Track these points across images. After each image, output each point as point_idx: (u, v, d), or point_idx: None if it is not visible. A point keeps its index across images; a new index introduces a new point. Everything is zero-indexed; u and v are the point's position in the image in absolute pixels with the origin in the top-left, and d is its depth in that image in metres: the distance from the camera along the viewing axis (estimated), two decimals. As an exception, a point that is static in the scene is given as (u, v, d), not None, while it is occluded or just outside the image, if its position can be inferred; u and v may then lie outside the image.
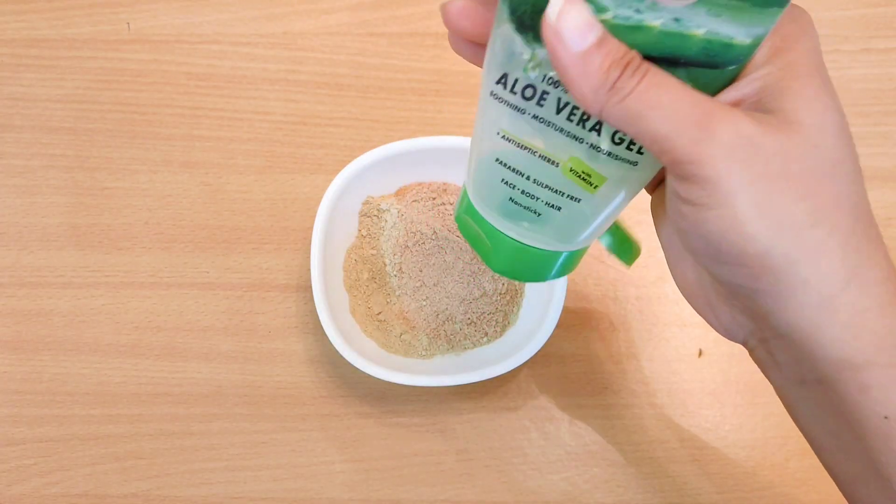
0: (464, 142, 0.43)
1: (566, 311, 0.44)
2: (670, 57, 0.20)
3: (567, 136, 0.23)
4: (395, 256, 0.44)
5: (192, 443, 0.43)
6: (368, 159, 0.42)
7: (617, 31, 0.20)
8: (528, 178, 0.24)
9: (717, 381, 0.44)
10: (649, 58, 0.20)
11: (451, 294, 0.43)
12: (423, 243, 0.44)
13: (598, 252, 0.46)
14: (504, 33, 0.21)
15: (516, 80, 0.22)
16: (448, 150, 0.43)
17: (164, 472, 0.43)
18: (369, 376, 0.40)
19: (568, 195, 0.24)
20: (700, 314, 0.26)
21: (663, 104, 0.20)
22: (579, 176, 0.24)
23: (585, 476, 0.42)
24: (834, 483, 0.26)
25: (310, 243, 0.41)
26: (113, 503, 0.43)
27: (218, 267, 0.46)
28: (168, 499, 0.42)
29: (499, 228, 0.27)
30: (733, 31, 0.19)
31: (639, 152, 0.23)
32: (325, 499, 0.42)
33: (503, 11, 0.21)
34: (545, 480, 0.42)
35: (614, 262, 0.45)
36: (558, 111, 0.22)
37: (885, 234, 0.44)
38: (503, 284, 0.43)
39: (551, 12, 0.20)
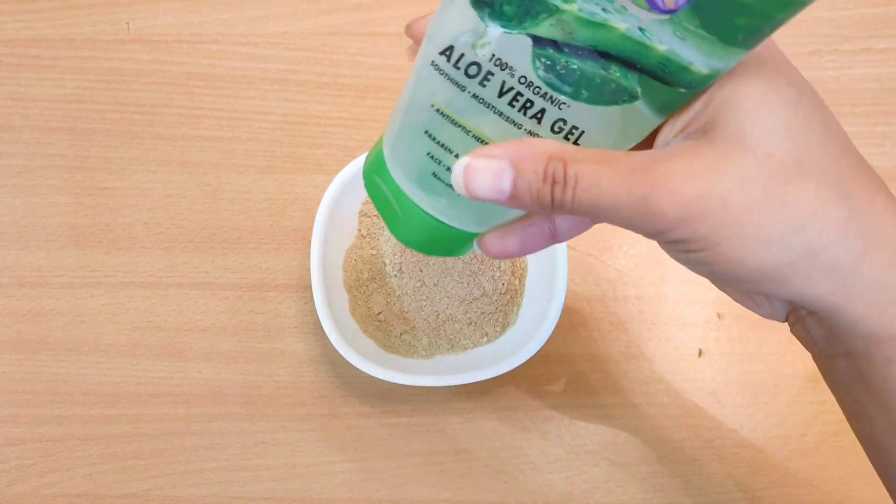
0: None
1: (566, 311, 0.44)
2: (627, 59, 0.20)
3: (506, 119, 0.22)
4: (395, 256, 0.44)
5: (192, 443, 0.43)
6: (368, 159, 0.42)
7: (579, 24, 0.19)
8: (456, 155, 0.23)
9: (717, 381, 0.44)
10: (604, 55, 0.20)
11: (451, 294, 0.43)
12: (423, 243, 0.44)
13: (599, 252, 0.46)
14: (459, 6, 0.20)
15: (462, 56, 0.21)
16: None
17: (164, 472, 0.43)
18: (369, 376, 0.40)
19: None
20: (739, 304, 0.26)
21: (603, 208, 0.21)
22: None
23: (585, 476, 0.42)
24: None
25: (310, 243, 0.41)
26: (112, 503, 0.43)
27: (218, 267, 0.46)
28: (168, 499, 0.42)
29: (415, 201, 0.26)
30: (693, 57, 0.19)
31: (576, 142, 0.22)
32: (325, 499, 0.42)
33: None
34: (545, 480, 0.42)
35: (614, 261, 0.46)
36: (500, 94, 0.22)
37: (885, 234, 0.44)
38: (503, 284, 0.43)
39: (457, 186, 0.21)
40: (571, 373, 0.44)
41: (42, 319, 0.45)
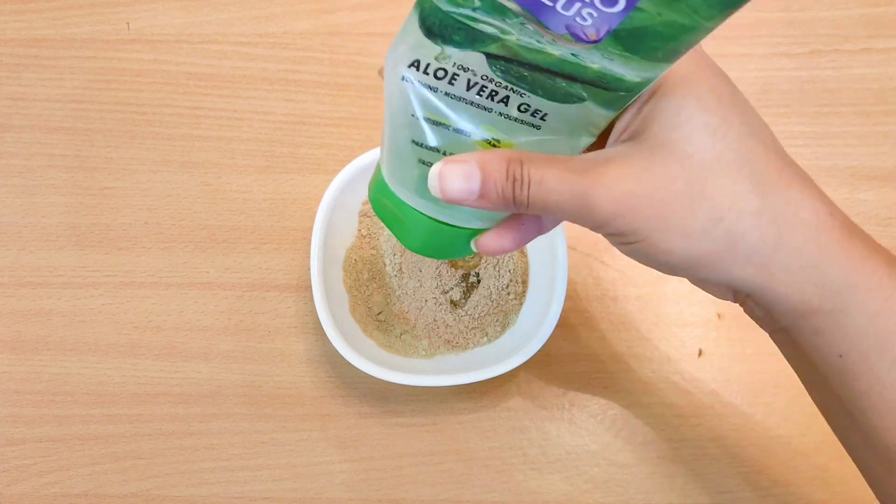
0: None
1: (566, 311, 0.44)
2: (569, 75, 0.22)
3: (477, 107, 0.25)
4: (395, 256, 0.44)
5: (192, 443, 0.43)
6: (368, 159, 0.42)
7: (521, 49, 0.22)
8: (443, 152, 0.26)
9: (717, 381, 0.44)
10: (551, 72, 0.22)
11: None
12: (423, 243, 0.44)
13: (599, 252, 0.46)
14: (415, 34, 0.23)
15: (428, 65, 0.24)
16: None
17: (164, 472, 0.43)
18: (369, 376, 0.40)
19: None
20: (699, 287, 0.28)
21: (551, 205, 0.23)
22: (489, 143, 0.25)
23: (585, 476, 0.42)
24: (841, 478, 0.28)
25: (310, 243, 0.41)
26: (112, 503, 0.43)
27: (218, 267, 0.46)
28: (168, 499, 0.42)
29: (418, 209, 0.28)
30: (624, 71, 0.22)
31: (542, 119, 0.24)
32: (325, 499, 0.42)
33: (413, 20, 0.23)
34: (545, 480, 0.42)
35: (614, 261, 0.45)
36: (468, 88, 0.24)
37: (886, 233, 0.44)
38: (504, 285, 0.43)
39: (432, 189, 0.24)
40: (571, 373, 0.44)
41: (42, 319, 0.45)
